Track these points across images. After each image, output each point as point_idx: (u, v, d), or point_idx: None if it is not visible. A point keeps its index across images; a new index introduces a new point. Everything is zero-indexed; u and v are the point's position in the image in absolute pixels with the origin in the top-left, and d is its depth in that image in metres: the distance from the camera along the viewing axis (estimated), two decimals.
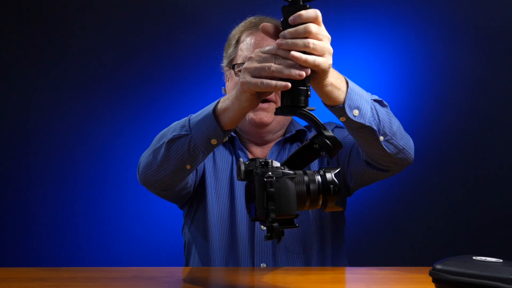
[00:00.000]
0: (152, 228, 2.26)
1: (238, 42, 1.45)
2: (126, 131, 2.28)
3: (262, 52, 1.00)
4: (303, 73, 0.94)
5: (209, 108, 1.13)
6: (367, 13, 2.26)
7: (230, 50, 1.47)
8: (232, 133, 1.47)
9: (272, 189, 0.87)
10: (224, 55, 1.51)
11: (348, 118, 1.11)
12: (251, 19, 1.48)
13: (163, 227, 2.24)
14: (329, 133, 0.95)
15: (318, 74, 0.99)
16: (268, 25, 0.99)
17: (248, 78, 0.99)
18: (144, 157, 1.29)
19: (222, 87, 1.55)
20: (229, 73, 1.48)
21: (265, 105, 1.40)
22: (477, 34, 2.24)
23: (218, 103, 1.12)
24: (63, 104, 2.30)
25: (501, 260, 0.93)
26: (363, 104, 1.12)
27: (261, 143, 1.48)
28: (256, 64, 0.99)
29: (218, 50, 1.57)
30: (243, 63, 1.40)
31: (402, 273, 1.23)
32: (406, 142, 1.24)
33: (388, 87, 2.24)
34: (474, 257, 0.94)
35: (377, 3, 2.27)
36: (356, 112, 1.11)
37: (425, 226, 2.23)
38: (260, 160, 0.90)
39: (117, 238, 2.26)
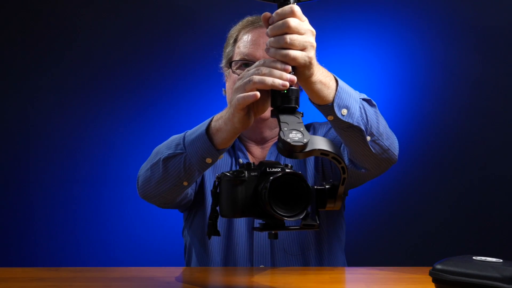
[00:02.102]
0: (152, 229, 2.26)
1: (236, 41, 1.45)
2: (126, 132, 2.28)
3: (249, 70, 1.00)
4: (287, 84, 0.93)
5: (202, 127, 1.13)
6: (367, 13, 2.26)
7: (228, 49, 1.47)
8: None
9: (213, 189, 0.94)
10: (223, 55, 1.51)
11: (336, 117, 1.09)
12: (248, 18, 1.48)
13: (163, 228, 2.24)
14: (284, 138, 0.90)
15: (299, 69, 0.97)
16: (268, 14, 0.98)
17: (234, 97, 1.00)
18: (142, 171, 1.29)
19: (223, 89, 1.54)
20: (227, 73, 1.48)
21: None
22: (477, 34, 2.24)
23: (211, 121, 1.12)
24: (63, 104, 2.30)
25: (501, 260, 0.93)
26: (352, 103, 1.10)
27: (261, 141, 1.48)
28: (240, 83, 1.00)
29: (218, 50, 1.57)
30: (240, 60, 1.41)
31: (402, 273, 1.23)
32: (391, 143, 1.23)
33: (388, 87, 2.24)
34: (474, 257, 0.94)
35: (377, 3, 2.27)
36: (344, 111, 1.09)
37: (425, 226, 2.23)
38: (266, 163, 0.91)
39: (117, 238, 2.26)
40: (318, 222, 0.91)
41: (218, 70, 1.55)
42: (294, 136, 0.87)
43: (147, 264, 2.19)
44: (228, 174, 0.90)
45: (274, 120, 1.43)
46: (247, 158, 1.45)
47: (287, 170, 0.89)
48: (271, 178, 0.87)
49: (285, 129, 0.88)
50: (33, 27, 2.32)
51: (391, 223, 2.24)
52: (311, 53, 0.96)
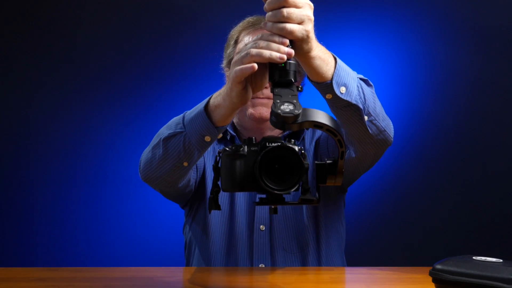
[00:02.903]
0: (152, 228, 2.26)
1: (236, 42, 1.46)
2: (126, 131, 2.28)
3: (246, 44, 1.00)
4: (284, 57, 0.92)
5: (201, 105, 1.13)
6: (367, 13, 2.26)
7: (229, 50, 1.47)
8: (232, 132, 1.47)
9: (214, 164, 0.94)
10: (224, 56, 1.51)
11: (334, 95, 1.08)
12: (249, 18, 1.48)
13: (163, 227, 2.24)
14: (275, 109, 0.88)
15: (297, 43, 0.97)
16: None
17: (232, 70, 0.99)
18: (145, 154, 1.29)
19: None
20: (228, 73, 1.48)
21: (264, 100, 1.40)
22: (477, 34, 2.24)
23: (210, 99, 1.12)
24: (63, 104, 2.30)
25: (501, 260, 0.93)
26: (350, 81, 1.10)
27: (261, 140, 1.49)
28: (237, 56, 0.99)
29: (218, 50, 1.57)
30: None
31: (402, 273, 1.23)
32: (387, 124, 1.23)
33: (388, 87, 2.24)
34: (474, 257, 0.94)
35: (377, 3, 2.27)
36: (343, 89, 1.09)
37: (425, 226, 2.23)
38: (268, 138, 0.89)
39: (117, 238, 2.26)
40: (318, 197, 0.90)
41: (219, 71, 1.55)
42: (286, 108, 0.86)
43: (147, 264, 2.19)
44: (228, 149, 0.90)
45: None
46: None
47: (282, 144, 0.87)
48: (263, 151, 0.86)
49: (278, 101, 0.87)
50: (33, 27, 2.32)
51: (391, 223, 2.24)
52: (309, 27, 0.96)
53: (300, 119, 0.86)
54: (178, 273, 1.26)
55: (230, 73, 1.01)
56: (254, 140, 0.91)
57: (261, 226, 1.41)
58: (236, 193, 1.43)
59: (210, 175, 1.44)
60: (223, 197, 1.43)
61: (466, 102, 2.25)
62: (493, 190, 2.22)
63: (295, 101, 0.87)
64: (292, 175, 0.85)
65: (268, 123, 1.44)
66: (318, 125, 0.86)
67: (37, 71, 2.30)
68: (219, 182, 0.94)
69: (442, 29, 2.26)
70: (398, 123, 2.18)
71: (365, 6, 2.26)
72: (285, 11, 0.93)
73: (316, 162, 0.91)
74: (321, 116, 0.86)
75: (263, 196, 0.90)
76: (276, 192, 0.86)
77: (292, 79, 0.92)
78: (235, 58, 1.00)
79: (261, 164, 0.85)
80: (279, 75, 0.93)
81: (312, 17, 0.96)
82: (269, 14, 0.95)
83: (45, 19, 2.32)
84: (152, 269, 1.28)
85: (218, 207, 0.96)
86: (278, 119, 0.86)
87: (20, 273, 1.23)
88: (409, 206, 2.25)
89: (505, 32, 2.23)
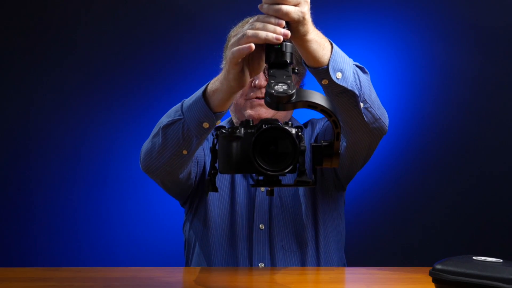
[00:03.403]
0: (152, 228, 2.26)
1: None
2: (126, 131, 2.28)
3: (243, 27, 1.00)
4: (281, 38, 0.92)
5: (199, 91, 1.13)
6: (367, 13, 2.26)
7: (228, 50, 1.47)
8: None
9: (211, 146, 0.94)
10: (223, 56, 1.51)
11: (331, 80, 1.08)
12: (248, 18, 1.49)
13: (163, 227, 2.24)
14: (269, 89, 0.88)
15: (293, 25, 0.97)
16: None
17: (229, 51, 0.99)
18: (145, 145, 1.30)
19: None
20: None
21: (262, 101, 1.40)
22: (477, 34, 2.24)
23: (208, 85, 1.12)
24: (63, 104, 2.30)
25: (501, 260, 0.93)
26: (346, 67, 1.10)
27: None
28: (234, 39, 0.99)
29: (218, 50, 1.57)
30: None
31: (402, 273, 1.23)
32: (382, 112, 1.23)
33: (388, 86, 2.24)
34: (474, 257, 0.95)
35: (377, 3, 2.27)
36: (339, 75, 1.08)
37: (425, 226, 2.23)
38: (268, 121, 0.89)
39: (117, 238, 2.26)
40: (314, 180, 0.90)
41: (219, 71, 1.55)
42: (279, 88, 0.86)
43: (147, 264, 2.19)
44: (224, 130, 0.90)
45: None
46: None
47: (277, 125, 0.86)
48: (258, 132, 0.85)
49: (272, 82, 0.87)
50: (33, 27, 2.31)
51: (391, 223, 2.24)
52: (305, 8, 0.96)
53: (294, 99, 0.85)
54: (178, 273, 1.26)
55: (227, 55, 1.01)
56: (251, 122, 0.90)
57: (261, 225, 1.41)
58: (237, 191, 1.43)
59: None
60: (223, 196, 1.43)
61: (466, 102, 2.25)
62: (493, 190, 2.22)
63: (289, 81, 0.87)
64: (286, 156, 0.85)
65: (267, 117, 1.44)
66: (312, 105, 0.86)
67: (37, 71, 2.30)
68: (216, 165, 0.94)
69: (442, 29, 2.26)
70: (398, 123, 2.19)
71: (365, 6, 2.26)
72: None
73: (312, 144, 0.91)
74: (316, 97, 0.86)
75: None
76: (270, 173, 0.85)
77: (288, 60, 0.92)
78: (232, 40, 1.00)
79: (255, 145, 0.85)
80: (275, 56, 0.93)
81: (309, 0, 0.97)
82: None
83: (45, 19, 2.32)
84: (152, 269, 1.28)
85: (215, 189, 0.95)
86: (272, 99, 0.86)
87: (20, 273, 1.23)
88: (409, 206, 2.25)
89: (505, 32, 2.23)
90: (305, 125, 1.54)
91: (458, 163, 2.24)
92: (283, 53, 0.92)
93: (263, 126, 0.86)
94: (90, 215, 2.27)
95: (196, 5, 2.31)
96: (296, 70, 0.95)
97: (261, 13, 0.98)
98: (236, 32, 1.02)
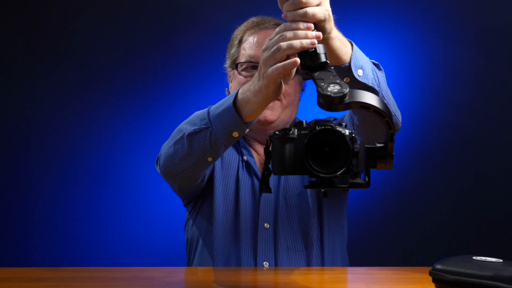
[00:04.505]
0: (152, 228, 2.26)
1: (240, 42, 1.46)
2: (126, 131, 2.28)
3: (270, 39, 1.00)
4: (315, 41, 0.93)
5: (228, 100, 1.12)
6: (367, 13, 2.26)
7: (233, 50, 1.47)
8: None
9: (265, 148, 0.95)
10: (227, 56, 1.51)
11: (352, 78, 1.09)
12: (253, 19, 1.49)
13: (164, 227, 2.24)
14: (324, 92, 0.88)
15: (320, 25, 0.98)
16: None
17: (266, 70, 0.99)
18: (165, 149, 1.29)
19: (226, 89, 1.55)
20: (232, 73, 1.48)
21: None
22: (477, 33, 2.24)
23: (237, 94, 1.11)
24: (63, 104, 2.30)
25: (501, 260, 0.93)
26: (366, 64, 1.12)
27: (265, 141, 1.49)
28: (268, 53, 0.99)
29: (219, 50, 1.57)
30: (246, 62, 1.42)
31: (402, 273, 1.23)
32: (397, 109, 1.27)
33: (388, 87, 2.23)
34: (474, 257, 0.95)
35: (377, 3, 2.27)
36: (360, 72, 1.10)
37: (425, 226, 2.23)
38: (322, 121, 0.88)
39: (117, 238, 2.26)
40: (367, 181, 0.89)
41: (222, 70, 1.55)
42: (333, 89, 0.86)
43: (147, 264, 2.19)
44: (277, 132, 0.90)
45: (280, 122, 1.44)
46: (251, 155, 1.46)
47: (330, 127, 0.86)
48: (311, 134, 0.85)
49: (322, 84, 0.87)
50: (33, 27, 2.31)
51: (391, 223, 2.24)
52: (327, 6, 0.98)
53: (347, 100, 0.85)
54: (179, 274, 1.26)
55: (264, 71, 1.00)
56: (305, 124, 0.90)
57: (265, 224, 1.41)
58: (242, 189, 1.43)
59: (218, 171, 1.44)
60: (228, 194, 1.43)
61: (466, 102, 2.24)
62: (493, 190, 2.22)
63: (339, 81, 0.87)
64: (338, 158, 0.85)
65: (273, 125, 1.44)
66: (365, 106, 0.85)
67: (37, 71, 2.30)
68: (270, 166, 0.94)
69: (442, 29, 2.26)
70: None
71: (365, 6, 2.26)
72: None
73: (366, 145, 0.90)
74: (369, 97, 0.86)
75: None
76: (321, 175, 0.85)
77: (326, 61, 0.93)
78: (264, 55, 1.00)
79: (308, 147, 0.85)
80: (311, 60, 0.93)
81: None
82: (285, 4, 0.96)
83: (45, 19, 2.32)
84: (152, 269, 1.28)
85: (268, 190, 0.96)
86: (327, 100, 0.85)
87: (20, 273, 1.23)
88: (409, 206, 2.25)
89: (505, 32, 2.23)
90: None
91: (458, 163, 2.24)
92: (318, 55, 0.93)
93: (316, 128, 0.86)
94: (90, 215, 2.26)
95: (196, 5, 2.31)
96: (332, 67, 0.94)
97: (265, 12, 0.99)
98: (266, 45, 1.01)
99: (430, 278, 0.94)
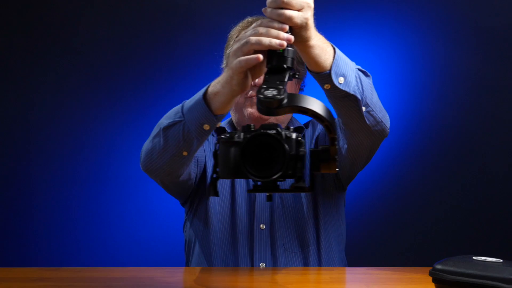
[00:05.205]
0: (152, 228, 2.26)
1: None
2: (126, 131, 2.28)
3: (246, 31, 1.00)
4: (284, 43, 0.92)
5: (200, 93, 1.13)
6: (367, 13, 2.26)
7: (229, 50, 1.47)
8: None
9: (214, 151, 0.92)
10: (224, 56, 1.51)
11: (333, 85, 1.09)
12: (248, 19, 1.49)
13: (163, 227, 2.24)
14: (258, 95, 0.87)
15: (296, 30, 0.97)
16: None
17: (232, 61, 0.99)
18: (145, 145, 1.30)
19: None
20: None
21: None
22: (477, 34, 2.24)
23: (208, 87, 1.12)
24: (62, 104, 2.30)
25: (501, 260, 0.93)
26: (349, 72, 1.10)
27: None
28: (237, 45, 0.99)
29: (218, 50, 1.57)
30: None
31: (402, 273, 1.23)
32: (384, 115, 1.24)
33: (388, 86, 2.24)
34: (474, 257, 0.95)
35: (377, 3, 2.27)
36: (341, 79, 1.09)
37: (425, 226, 2.23)
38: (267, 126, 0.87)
39: (117, 238, 2.26)
40: (310, 185, 0.88)
41: (219, 71, 1.55)
42: (269, 93, 0.85)
43: (147, 264, 2.19)
44: (223, 136, 0.89)
45: (274, 120, 1.44)
46: None
47: (266, 131, 0.85)
48: (248, 137, 0.84)
49: (264, 86, 0.87)
50: (33, 27, 2.32)
51: (391, 223, 2.24)
52: (308, 14, 0.96)
53: (285, 104, 0.85)
54: (178, 273, 1.26)
55: (231, 62, 1.00)
56: (252, 127, 0.89)
57: (261, 225, 1.41)
58: (238, 190, 1.43)
59: (211, 171, 1.43)
60: (224, 195, 1.43)
61: (466, 102, 2.24)
62: (493, 190, 2.22)
63: (280, 86, 0.86)
64: (276, 163, 0.84)
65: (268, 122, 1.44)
66: (302, 110, 0.85)
67: (37, 71, 2.30)
68: (218, 169, 0.93)
69: (442, 29, 2.26)
70: (397, 123, 2.19)
71: (365, 6, 2.26)
72: None
73: (310, 149, 0.90)
74: (308, 101, 0.85)
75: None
76: (256, 179, 0.84)
77: (287, 66, 0.92)
78: (235, 46, 1.00)
79: (244, 151, 0.84)
80: (275, 61, 0.92)
81: (312, 5, 0.97)
82: (268, 1, 0.95)
83: (45, 19, 2.32)
84: (152, 269, 1.28)
85: (216, 194, 0.94)
86: (260, 104, 0.86)
87: (20, 273, 1.23)
88: (409, 206, 2.25)
89: (505, 32, 2.23)
90: (306, 125, 1.54)
91: (458, 163, 2.24)
92: (284, 58, 0.92)
93: (261, 131, 0.85)
94: (90, 215, 2.27)
95: (196, 5, 2.31)
96: (297, 75, 0.94)
97: (262, 13, 0.98)
98: (239, 37, 1.01)
99: (430, 278, 0.94)
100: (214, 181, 0.93)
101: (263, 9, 0.97)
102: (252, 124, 0.88)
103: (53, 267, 1.29)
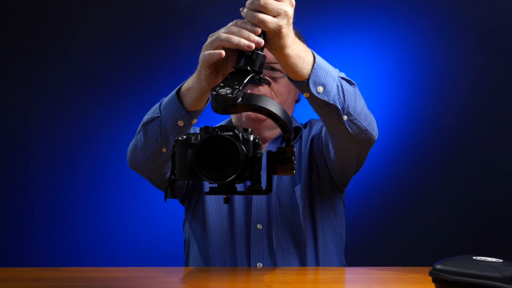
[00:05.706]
0: (152, 228, 2.26)
1: None
2: (125, 131, 2.27)
3: (221, 29, 1.00)
4: (252, 45, 0.92)
5: (175, 89, 1.15)
6: (367, 13, 2.26)
7: None
8: None
9: (171, 153, 0.91)
10: None
11: (311, 94, 1.09)
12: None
13: (163, 227, 2.24)
14: (212, 92, 0.87)
15: (270, 36, 0.97)
16: None
17: (201, 55, 1.00)
18: (131, 142, 1.31)
19: None
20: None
21: None
22: (477, 34, 2.24)
23: (183, 84, 1.13)
24: (63, 103, 2.30)
25: (501, 260, 0.93)
26: (329, 81, 1.10)
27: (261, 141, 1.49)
28: (209, 40, 1.00)
29: None
30: None
31: (402, 273, 1.23)
32: (369, 123, 1.23)
33: (388, 87, 2.24)
34: (474, 257, 0.94)
35: (377, 3, 2.27)
36: (320, 89, 1.09)
37: (425, 226, 2.23)
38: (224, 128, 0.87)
39: (117, 238, 2.26)
40: (267, 187, 0.87)
41: None
42: (222, 91, 0.85)
43: (147, 264, 2.19)
44: (180, 138, 0.89)
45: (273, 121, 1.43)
46: None
47: (219, 134, 0.84)
48: (202, 139, 0.84)
49: (221, 84, 0.87)
50: (33, 27, 2.32)
51: (391, 223, 2.24)
52: (283, 21, 0.95)
53: (240, 102, 0.85)
54: (178, 273, 1.26)
55: (200, 56, 1.01)
56: (211, 129, 0.88)
57: (258, 225, 1.41)
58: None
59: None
60: (220, 195, 1.43)
61: (466, 102, 2.24)
62: (493, 190, 2.22)
63: (237, 86, 0.86)
64: (230, 165, 0.83)
65: (266, 123, 1.44)
66: (257, 109, 0.85)
67: (37, 71, 2.30)
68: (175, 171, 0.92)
69: (442, 29, 2.26)
70: (397, 123, 2.19)
71: (365, 6, 2.26)
72: (263, 0, 0.93)
73: (267, 151, 0.90)
74: (264, 101, 0.85)
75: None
76: (210, 181, 0.84)
77: (252, 69, 0.91)
78: (207, 41, 1.01)
79: (198, 153, 0.83)
80: (243, 62, 0.92)
81: (290, 14, 0.96)
82: (248, 1, 0.95)
83: (45, 19, 2.32)
84: (151, 269, 1.28)
85: (173, 196, 0.93)
86: (215, 102, 0.86)
87: (20, 273, 1.23)
88: (409, 206, 2.25)
89: (505, 32, 2.23)
90: (305, 125, 1.54)
91: (458, 163, 2.24)
92: (251, 61, 0.92)
93: (218, 133, 0.85)
94: (90, 215, 2.27)
95: (196, 5, 2.31)
96: (263, 80, 0.93)
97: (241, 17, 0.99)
98: (213, 33, 1.02)
99: (430, 278, 0.94)
100: (171, 183, 0.92)
101: (240, 9, 0.97)
102: (211, 126, 0.88)
103: (53, 267, 1.30)
